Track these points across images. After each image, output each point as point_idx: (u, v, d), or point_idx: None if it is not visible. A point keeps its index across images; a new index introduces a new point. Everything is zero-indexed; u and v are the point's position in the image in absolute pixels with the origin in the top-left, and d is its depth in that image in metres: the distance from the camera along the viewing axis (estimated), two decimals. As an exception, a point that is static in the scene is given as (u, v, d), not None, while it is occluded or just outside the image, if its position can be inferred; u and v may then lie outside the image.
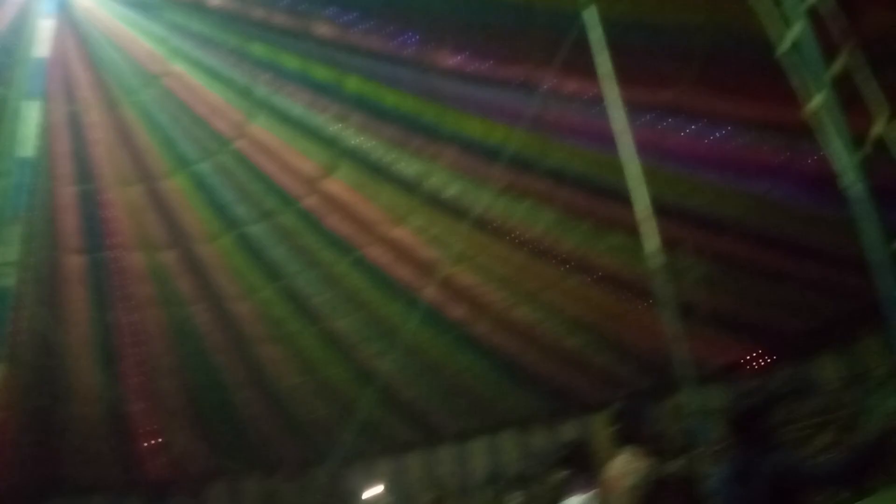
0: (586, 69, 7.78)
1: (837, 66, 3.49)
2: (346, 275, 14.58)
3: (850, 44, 3.44)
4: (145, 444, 17.26)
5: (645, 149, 10.09)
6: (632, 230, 7.92)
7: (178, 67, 12.20)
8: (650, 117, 10.03)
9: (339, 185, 13.17)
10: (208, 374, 16.47)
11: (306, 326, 15.59)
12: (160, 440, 17.27)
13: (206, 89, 12.44)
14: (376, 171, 12.82)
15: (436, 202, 13.02)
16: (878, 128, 3.31)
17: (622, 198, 8.02)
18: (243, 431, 17.74)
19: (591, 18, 7.44)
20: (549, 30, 8.94)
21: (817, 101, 3.69)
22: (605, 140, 8.03)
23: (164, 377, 16.20)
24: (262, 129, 12.69)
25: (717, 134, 9.78)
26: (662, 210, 10.76)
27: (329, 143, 12.59)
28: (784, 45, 3.91)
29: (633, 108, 9.71)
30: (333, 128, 12.34)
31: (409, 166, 12.64)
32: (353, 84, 11.66)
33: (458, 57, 10.52)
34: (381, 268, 14.33)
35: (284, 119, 12.49)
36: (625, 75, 8.50)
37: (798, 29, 3.73)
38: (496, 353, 15.67)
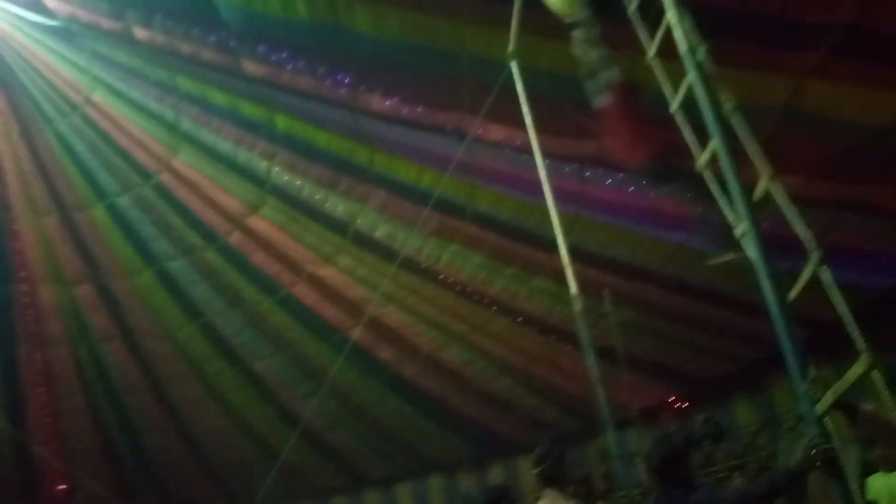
0: (514, 118, 7.96)
1: (726, 120, 3.70)
2: (270, 314, 14.28)
3: (734, 102, 3.66)
4: (54, 489, 16.26)
5: (568, 197, 10.43)
6: (556, 275, 8.07)
7: (101, 98, 11.88)
8: (574, 167, 10.31)
9: (265, 222, 12.96)
10: (122, 416, 15.77)
11: (227, 367, 15.14)
12: (70, 485, 16.31)
13: (129, 121, 12.14)
14: (304, 209, 12.69)
15: (364, 242, 12.96)
16: (763, 183, 3.52)
17: (547, 243, 8.17)
18: (159, 475, 16.99)
19: (517, 70, 7.64)
20: (479, 78, 9.12)
21: (706, 156, 3.89)
22: (531, 187, 8.19)
23: (74, 418, 15.40)
24: (187, 164, 12.42)
25: (636, 186, 10.14)
26: (585, 256, 11.09)
27: (256, 180, 12.41)
28: (674, 103, 4.11)
29: (558, 158, 10.05)
30: (261, 165, 12.18)
31: (337, 206, 12.57)
32: (282, 122, 11.57)
33: (390, 101, 10.58)
34: (308, 307, 14.10)
35: (210, 154, 12.27)
36: (550, 126, 8.74)
37: (686, 87, 3.94)
38: (424, 395, 15.55)
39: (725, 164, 3.64)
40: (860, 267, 10.38)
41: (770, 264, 3.57)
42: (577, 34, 5.83)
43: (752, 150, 3.45)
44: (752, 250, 3.60)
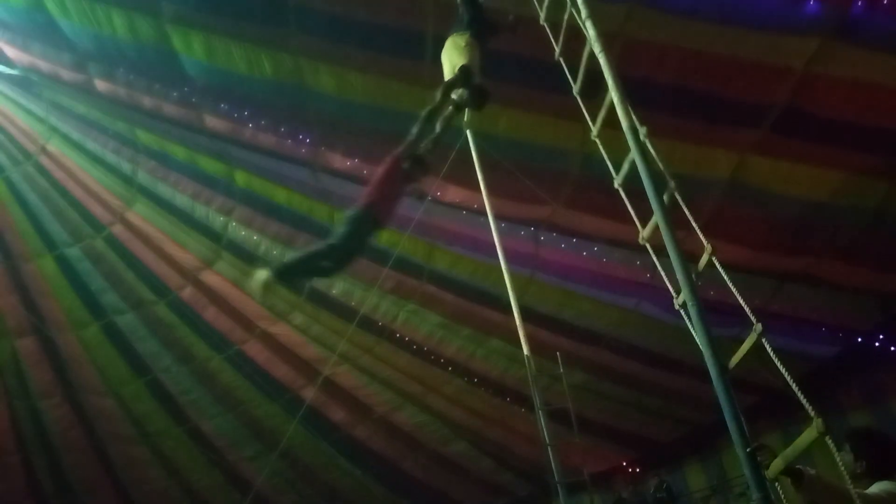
0: (472, 181, 8.15)
1: (667, 195, 3.85)
2: (220, 371, 13.93)
3: (673, 178, 3.82)
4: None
5: (524, 259, 10.62)
6: (512, 336, 8.13)
7: (56, 147, 11.76)
8: (529, 231, 10.52)
9: (219, 278, 12.80)
10: (59, 476, 15.02)
11: (173, 425, 14.63)
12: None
13: (84, 172, 12.02)
14: (259, 265, 12.57)
15: (320, 300, 12.86)
16: (705, 257, 3.65)
17: (503, 304, 8.25)
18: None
19: (472, 139, 7.88)
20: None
21: (648, 230, 4.04)
22: (488, 248, 8.32)
23: (8, 477, 14.61)
24: (141, 217, 12.29)
25: (589, 251, 10.39)
26: (539, 318, 11.24)
27: (212, 234, 12.31)
28: (618, 179, 4.28)
29: (514, 221, 10.27)
30: (218, 220, 12.11)
31: (294, 263, 12.48)
32: (242, 178, 11.59)
33: (351, 161, 10.72)
34: (259, 365, 13.81)
35: (166, 208, 12.17)
36: (507, 190, 8.98)
37: (629, 163, 4.11)
38: (376, 458, 15.22)
39: (667, 238, 3.78)
40: (803, 335, 10.71)
41: (710, 333, 3.67)
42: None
43: (694, 224, 3.59)
44: (693, 320, 3.70)
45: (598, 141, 4.52)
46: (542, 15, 5.32)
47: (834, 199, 8.51)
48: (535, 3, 5.21)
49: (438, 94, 5.80)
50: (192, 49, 9.30)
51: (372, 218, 5.45)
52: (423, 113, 5.88)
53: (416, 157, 5.79)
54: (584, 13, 4.42)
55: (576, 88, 4.92)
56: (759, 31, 7.13)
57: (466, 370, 13.60)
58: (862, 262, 9.28)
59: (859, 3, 6.69)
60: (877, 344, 10.48)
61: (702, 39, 7.33)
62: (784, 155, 8.24)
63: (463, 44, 5.86)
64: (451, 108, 5.96)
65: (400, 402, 14.43)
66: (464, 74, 5.64)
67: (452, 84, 5.72)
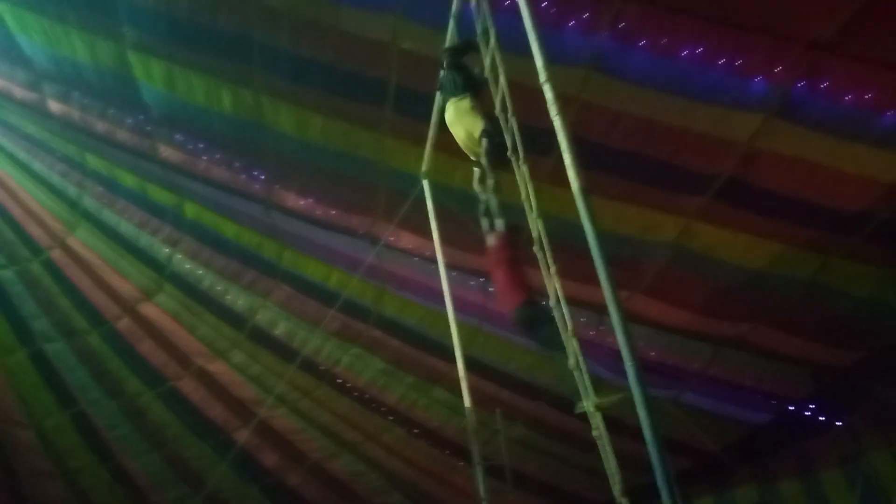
0: (425, 229, 8.20)
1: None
2: (150, 408, 13.40)
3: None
4: None
5: (472, 309, 10.64)
6: (455, 386, 8.08)
7: (-1, 167, 11.40)
8: (479, 281, 10.58)
9: (158, 310, 12.45)
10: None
11: (96, 463, 13.92)
12: None
13: (27, 193, 11.65)
14: (202, 299, 12.30)
15: (262, 339, 12.60)
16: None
17: (449, 353, 8.23)
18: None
19: (428, 189, 7.98)
20: (394, 188, 9.41)
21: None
22: (438, 296, 8.33)
23: None
24: (83, 243, 11.93)
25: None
26: (484, 370, 11.23)
27: (155, 265, 12.03)
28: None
29: (465, 271, 10.33)
30: (163, 251, 11.85)
31: (238, 299, 12.26)
32: (192, 210, 11.42)
33: (305, 200, 10.69)
34: (193, 404, 13.35)
35: (110, 235, 11.87)
36: (459, 240, 9.04)
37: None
38: (308, 506, 14.76)
39: (609, 297, 3.90)
40: (739, 401, 10.96)
41: (646, 395, 3.74)
42: (476, 171, 6.22)
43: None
44: (630, 380, 3.77)
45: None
46: (502, 78, 5.44)
47: (771, 269, 8.83)
48: (498, 65, 5.33)
49: (484, 163, 5.86)
50: (151, 77, 9.23)
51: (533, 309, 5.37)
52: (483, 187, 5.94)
53: (511, 226, 5.76)
54: (542, 77, 4.57)
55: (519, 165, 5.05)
56: (708, 104, 7.47)
57: (407, 419, 13.42)
58: (796, 331, 9.61)
59: (800, 85, 7.09)
60: (808, 413, 10.79)
61: (654, 108, 7.63)
62: (727, 223, 8.55)
63: (469, 107, 5.94)
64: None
65: (336, 450, 14.09)
66: (492, 136, 5.68)
67: (494, 146, 5.72)
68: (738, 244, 8.72)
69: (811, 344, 9.72)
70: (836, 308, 9.10)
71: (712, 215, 8.49)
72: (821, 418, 10.74)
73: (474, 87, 6.04)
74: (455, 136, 6.19)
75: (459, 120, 6.03)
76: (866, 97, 7.02)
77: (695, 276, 9.33)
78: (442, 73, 6.40)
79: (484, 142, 5.79)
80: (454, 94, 6.10)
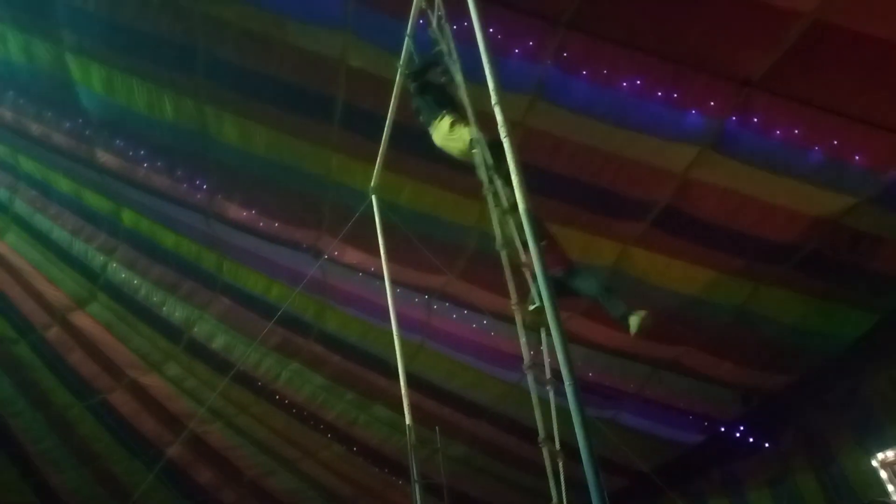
0: (370, 245, 8.14)
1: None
2: (79, 421, 12.94)
3: None
4: None
5: (415, 325, 10.65)
6: (396, 403, 8.04)
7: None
8: (423, 298, 10.60)
9: (90, 320, 12.05)
10: None
11: (17, 477, 13.33)
12: None
13: (-48, 195, 11.16)
14: (138, 310, 11.95)
15: (198, 352, 12.31)
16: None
17: (391, 370, 8.19)
18: None
19: (377, 204, 7.92)
20: (340, 203, 9.34)
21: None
22: (381, 312, 8.29)
23: None
24: (11, 248, 11.47)
25: (478, 323, 10.56)
26: (426, 387, 11.21)
27: (89, 273, 11.65)
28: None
29: (409, 287, 10.33)
30: (98, 259, 11.49)
31: (175, 311, 11.96)
32: (129, 218, 11.11)
33: (247, 211, 10.52)
34: (123, 417, 12.93)
35: (42, 241, 11.44)
36: (405, 257, 9.04)
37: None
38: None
39: (551, 317, 3.95)
40: (673, 422, 11.23)
41: (584, 413, 3.79)
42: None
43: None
44: (569, 400, 3.81)
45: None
46: (466, 99, 5.47)
47: (704, 295, 9.13)
48: (461, 90, 5.37)
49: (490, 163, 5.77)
50: (90, 81, 8.98)
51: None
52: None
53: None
54: (493, 99, 4.64)
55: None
56: (646, 134, 7.70)
57: (346, 436, 13.28)
58: (726, 355, 9.93)
59: (733, 119, 7.38)
60: (737, 435, 11.13)
61: (595, 136, 7.82)
62: (662, 250, 8.81)
63: (450, 123, 5.88)
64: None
65: (273, 467, 13.85)
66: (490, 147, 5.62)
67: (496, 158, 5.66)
68: (673, 270, 8.98)
69: (741, 368, 10.06)
70: (766, 333, 9.47)
71: (649, 241, 8.73)
72: (750, 440, 11.10)
73: (449, 102, 6.04)
74: (452, 155, 6.15)
75: (448, 139, 5.99)
76: (795, 132, 7.36)
77: (631, 300, 9.53)
78: (413, 99, 6.37)
79: (476, 150, 5.76)
80: (433, 117, 6.04)
